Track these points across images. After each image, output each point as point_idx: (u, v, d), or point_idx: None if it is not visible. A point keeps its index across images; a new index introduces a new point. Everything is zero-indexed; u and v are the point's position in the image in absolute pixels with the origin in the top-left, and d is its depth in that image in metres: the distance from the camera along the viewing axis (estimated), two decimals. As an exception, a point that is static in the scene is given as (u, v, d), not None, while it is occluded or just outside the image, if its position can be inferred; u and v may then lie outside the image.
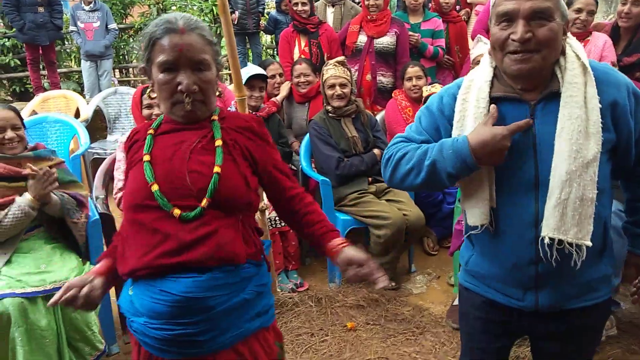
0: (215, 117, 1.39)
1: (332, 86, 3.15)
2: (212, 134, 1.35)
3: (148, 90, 1.41)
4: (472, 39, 4.07)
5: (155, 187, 1.27)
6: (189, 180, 1.27)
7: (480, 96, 1.32)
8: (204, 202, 1.25)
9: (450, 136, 1.37)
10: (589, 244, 1.24)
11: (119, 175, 2.48)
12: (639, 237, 1.40)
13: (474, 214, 1.36)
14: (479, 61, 3.52)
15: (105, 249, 2.49)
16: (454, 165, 1.28)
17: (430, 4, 4.57)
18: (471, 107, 1.33)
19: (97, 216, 2.34)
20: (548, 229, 1.24)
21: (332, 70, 3.17)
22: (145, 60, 1.34)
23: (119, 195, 2.42)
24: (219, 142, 1.33)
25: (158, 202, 1.25)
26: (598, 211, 1.26)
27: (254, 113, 3.19)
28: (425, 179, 1.34)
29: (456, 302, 2.73)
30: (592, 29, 3.38)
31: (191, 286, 1.21)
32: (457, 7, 4.74)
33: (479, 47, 3.57)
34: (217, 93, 1.43)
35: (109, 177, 2.74)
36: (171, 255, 1.22)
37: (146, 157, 1.32)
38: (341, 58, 3.29)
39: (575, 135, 1.21)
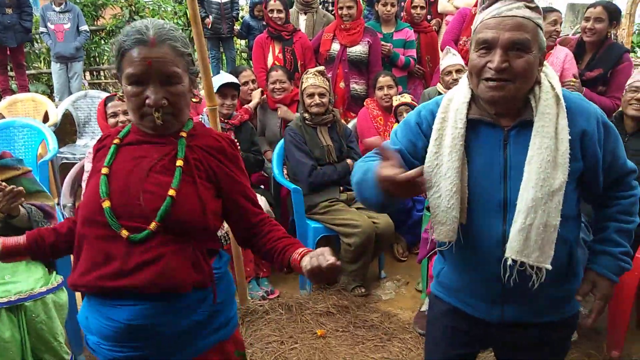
0: (184, 134, 1.34)
1: (311, 95, 3.19)
2: (176, 152, 1.31)
3: (118, 95, 1.37)
4: (442, 50, 4.17)
5: (106, 204, 1.23)
6: (142, 201, 1.24)
7: (458, 117, 1.35)
8: (153, 226, 1.22)
9: (426, 152, 1.40)
10: (549, 267, 1.29)
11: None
12: (599, 254, 1.43)
13: (440, 231, 1.39)
14: (449, 71, 3.66)
15: (72, 258, 2.47)
16: (371, 193, 1.28)
17: (402, 14, 4.65)
18: (449, 127, 1.36)
19: (64, 225, 2.31)
20: (512, 251, 1.29)
21: (312, 80, 3.20)
22: (116, 68, 1.31)
23: None
24: (179, 163, 1.29)
25: (107, 220, 1.22)
26: (563, 235, 1.31)
27: (226, 121, 3.19)
28: (361, 198, 1.38)
29: (423, 308, 2.80)
30: (558, 42, 3.50)
31: (134, 313, 1.20)
32: (429, 17, 4.83)
33: (449, 58, 3.66)
34: (197, 100, 1.41)
35: (77, 185, 2.71)
36: (111, 279, 1.20)
37: (104, 170, 1.29)
38: (321, 68, 3.32)
39: (544, 165, 1.26)
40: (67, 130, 5.22)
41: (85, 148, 4.59)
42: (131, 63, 1.24)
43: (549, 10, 3.55)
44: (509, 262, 1.29)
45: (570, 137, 1.28)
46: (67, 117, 5.06)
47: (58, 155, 4.39)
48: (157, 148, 1.32)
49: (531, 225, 1.27)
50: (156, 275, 1.20)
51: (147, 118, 1.28)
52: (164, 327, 1.22)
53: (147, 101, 1.25)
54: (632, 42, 11.62)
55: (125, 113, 2.48)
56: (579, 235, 1.44)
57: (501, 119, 1.34)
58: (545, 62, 1.36)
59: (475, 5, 4.18)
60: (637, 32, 12.72)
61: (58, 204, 2.71)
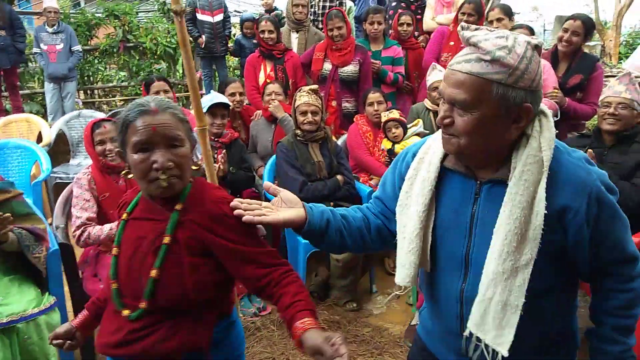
0: (179, 206, 1.37)
1: (304, 113, 3.24)
2: (162, 225, 1.37)
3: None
4: (424, 68, 4.26)
5: (114, 286, 1.38)
6: (141, 283, 1.35)
7: (433, 161, 1.30)
8: (143, 305, 1.33)
9: (399, 189, 1.36)
10: (505, 354, 1.16)
11: (76, 212, 2.49)
12: (597, 353, 1.28)
13: (399, 273, 1.33)
14: (436, 87, 3.73)
15: (64, 278, 2.50)
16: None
17: (390, 32, 4.74)
18: (423, 169, 1.32)
19: (57, 247, 2.34)
20: (471, 323, 1.21)
21: (305, 98, 3.25)
22: (120, 144, 1.38)
23: (78, 232, 2.44)
24: (166, 240, 1.34)
25: (114, 296, 1.38)
26: (538, 314, 1.21)
27: (216, 139, 3.24)
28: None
29: (414, 322, 2.82)
30: None
31: None
32: (416, 34, 4.93)
33: (435, 74, 3.75)
34: (196, 167, 1.46)
35: (69, 205, 2.74)
36: (113, 348, 1.37)
37: (114, 250, 1.42)
38: (314, 86, 3.38)
39: (510, 237, 1.14)
40: (60, 150, 5.25)
41: (79, 167, 4.63)
42: (136, 132, 1.32)
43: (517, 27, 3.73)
44: (466, 333, 1.22)
45: (546, 212, 1.14)
46: (61, 137, 5.10)
47: (52, 175, 4.42)
48: (153, 226, 1.39)
49: (490, 300, 1.16)
50: (147, 347, 1.33)
51: (155, 183, 1.33)
52: None
53: (154, 165, 1.31)
54: (620, 52, 11.81)
55: (112, 140, 2.53)
56: (569, 306, 1.32)
57: (479, 171, 1.24)
58: (545, 111, 1.22)
59: (454, 22, 4.29)
60: (624, 42, 12.91)
61: (51, 224, 2.74)
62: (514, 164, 1.17)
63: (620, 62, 10.64)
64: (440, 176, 1.29)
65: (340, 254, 2.86)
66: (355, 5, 6.08)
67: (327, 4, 5.31)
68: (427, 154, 1.33)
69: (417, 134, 3.70)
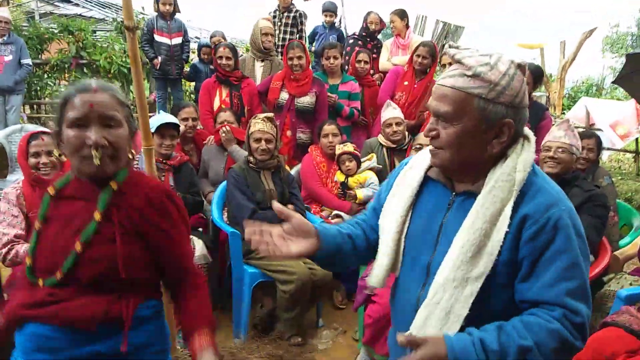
0: (114, 184, 1.39)
1: (258, 140, 3.19)
2: (93, 205, 1.38)
3: (56, 151, 1.46)
4: (379, 104, 4.35)
5: (29, 262, 1.38)
6: (61, 258, 1.34)
7: (419, 170, 1.37)
8: (57, 276, 1.33)
9: (384, 199, 1.43)
10: None
11: (3, 228, 2.32)
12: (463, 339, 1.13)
13: (372, 274, 1.39)
14: (389, 124, 3.79)
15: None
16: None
17: (347, 67, 4.83)
18: (410, 176, 1.38)
19: (-21, 266, 2.16)
20: (413, 325, 1.21)
21: (260, 125, 3.21)
22: (57, 122, 1.36)
23: (4, 250, 2.27)
24: (96, 217, 1.36)
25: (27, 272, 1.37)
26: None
27: (164, 161, 3.14)
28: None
29: (359, 358, 2.76)
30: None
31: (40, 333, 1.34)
32: (371, 72, 5.04)
33: (389, 111, 3.82)
34: (131, 156, 1.45)
35: None
36: (25, 308, 1.34)
37: (37, 225, 1.40)
38: (270, 114, 3.35)
39: (467, 247, 1.17)
40: (-2, 164, 4.98)
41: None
42: (73, 108, 1.32)
43: None
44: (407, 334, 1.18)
45: (508, 230, 1.16)
46: (0, 151, 4.84)
47: (-15, 190, 4.16)
48: (85, 205, 1.38)
49: (436, 305, 1.18)
50: (60, 310, 1.32)
51: (87, 161, 1.33)
52: (64, 350, 1.33)
53: (87, 141, 1.31)
54: (563, 104, 12.53)
55: (48, 154, 2.42)
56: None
57: (459, 184, 1.28)
58: (529, 136, 1.25)
59: (408, 63, 4.43)
60: (567, 95, 13.73)
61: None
62: (488, 179, 1.21)
63: (564, 113, 11.28)
64: (423, 185, 1.35)
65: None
66: (316, 40, 6.19)
67: (288, 36, 5.37)
68: (416, 163, 1.40)
69: (371, 169, 3.72)
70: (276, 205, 1.34)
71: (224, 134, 3.74)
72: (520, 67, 1.20)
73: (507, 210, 1.16)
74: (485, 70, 1.16)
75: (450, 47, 1.25)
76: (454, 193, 1.28)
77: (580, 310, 1.13)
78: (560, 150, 2.66)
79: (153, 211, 1.41)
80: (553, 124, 3.38)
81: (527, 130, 1.26)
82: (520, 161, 1.20)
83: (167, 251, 1.44)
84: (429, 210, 1.32)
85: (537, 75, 3.60)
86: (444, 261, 1.20)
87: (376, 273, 1.38)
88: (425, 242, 1.28)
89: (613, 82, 4.74)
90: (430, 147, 1.27)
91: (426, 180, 1.35)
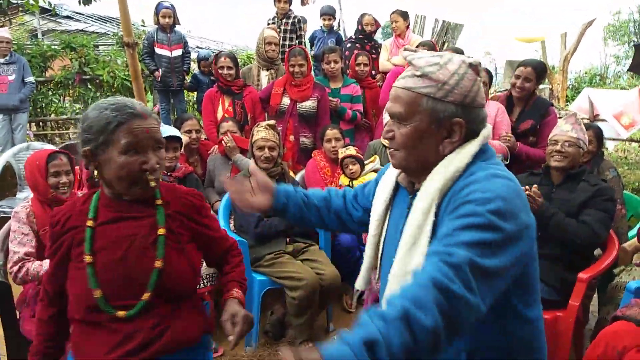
0: (159, 201, 1.46)
1: (261, 148, 3.21)
2: (150, 220, 1.44)
3: (91, 168, 1.43)
4: (381, 106, 4.35)
5: (98, 294, 1.34)
6: (140, 280, 1.37)
7: (390, 176, 1.41)
8: (146, 296, 1.35)
9: (372, 195, 1.48)
10: None
11: (14, 247, 2.35)
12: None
13: (359, 277, 1.45)
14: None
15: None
16: None
17: (347, 71, 4.84)
18: (386, 181, 1.43)
19: (-8, 285, 2.19)
20: None
21: (263, 133, 3.23)
22: (101, 143, 1.36)
23: (15, 268, 2.30)
24: (161, 231, 1.42)
25: (99, 306, 1.33)
26: None
27: (169, 174, 3.17)
28: None
29: (371, 362, 2.76)
30: (488, 98, 3.72)
31: None
32: (373, 73, 5.05)
33: (391, 113, 3.82)
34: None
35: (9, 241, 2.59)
36: (132, 355, 1.33)
37: (88, 259, 1.36)
38: (272, 122, 3.37)
39: (407, 240, 1.20)
40: (7, 183, 5.03)
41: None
42: (129, 133, 1.35)
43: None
44: None
45: (434, 218, 1.17)
46: (8, 169, 4.89)
47: (-5, 209, 4.21)
48: (138, 223, 1.42)
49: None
50: (171, 337, 1.38)
51: (139, 184, 1.38)
52: None
53: (144, 166, 1.36)
54: (567, 95, 12.46)
55: (67, 174, 2.48)
56: (497, 323, 1.19)
57: (418, 185, 1.28)
58: (484, 134, 1.22)
59: (408, 63, 4.42)
60: (570, 86, 13.66)
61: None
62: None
63: (567, 105, 11.21)
64: (397, 190, 1.38)
65: (304, 227, 2.85)
66: (314, 44, 6.22)
67: (287, 42, 5.40)
68: (391, 169, 1.41)
69: (374, 170, 3.73)
70: (252, 166, 1.55)
71: (227, 144, 3.76)
72: (472, 66, 1.20)
73: (435, 201, 1.17)
74: (434, 70, 1.17)
75: (405, 49, 1.29)
76: (410, 196, 1.31)
77: (455, 252, 1.00)
78: (567, 144, 2.65)
79: (193, 211, 1.54)
80: (559, 118, 3.36)
81: (486, 129, 1.24)
82: (456, 157, 1.19)
83: (212, 241, 1.62)
84: (396, 215, 1.36)
85: (539, 71, 3.56)
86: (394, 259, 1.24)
87: (362, 275, 1.45)
88: (393, 246, 1.29)
89: (629, 70, 4.67)
90: (390, 149, 1.30)
91: (399, 186, 1.38)
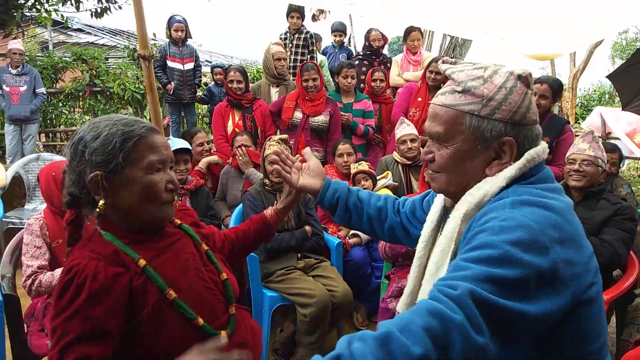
0: (178, 221, 1.43)
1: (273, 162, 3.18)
2: (189, 240, 1.40)
3: (101, 203, 1.22)
4: (393, 122, 4.33)
5: (201, 321, 1.25)
6: (215, 297, 1.34)
7: (440, 199, 1.30)
8: (233, 310, 1.36)
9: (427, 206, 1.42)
10: None
11: (27, 260, 2.32)
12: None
13: (399, 300, 1.34)
14: (404, 140, 3.76)
15: (6, 332, 2.29)
16: None
17: (361, 86, 4.84)
18: (436, 202, 1.32)
19: (0, 297, 2.15)
20: None
21: (275, 147, 3.21)
22: (120, 162, 1.18)
23: (28, 282, 2.27)
24: (205, 247, 1.42)
25: (206, 333, 1.24)
26: None
27: (181, 186, 3.14)
28: None
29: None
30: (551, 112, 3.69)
31: None
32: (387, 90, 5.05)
33: (403, 128, 3.80)
34: None
35: (19, 252, 2.56)
36: None
37: (172, 294, 1.21)
38: (284, 136, 3.35)
39: (435, 261, 1.13)
40: (16, 193, 5.02)
41: (34, 212, 4.40)
42: (152, 149, 1.22)
43: None
44: None
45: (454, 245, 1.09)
46: (17, 180, 4.88)
47: (4, 219, 4.19)
48: (179, 246, 1.35)
49: None
50: (259, 342, 1.43)
51: (167, 204, 1.26)
52: None
53: (169, 186, 1.25)
54: (576, 113, 12.42)
55: None
56: None
57: None
58: (531, 155, 1.06)
59: (421, 79, 4.41)
60: (579, 104, 13.63)
61: (-3, 273, 2.54)
62: None
63: (578, 123, 11.18)
64: (445, 212, 1.28)
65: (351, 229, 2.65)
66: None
67: (299, 57, 5.41)
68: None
69: (387, 186, 3.69)
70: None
71: (240, 157, 3.74)
72: (521, 78, 1.07)
73: (460, 227, 1.08)
74: (477, 85, 1.06)
75: (443, 62, 1.18)
76: None
77: (459, 285, 0.88)
78: (585, 163, 2.61)
79: (197, 222, 1.53)
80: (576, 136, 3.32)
81: (534, 149, 1.08)
82: (491, 179, 1.07)
83: (221, 239, 1.62)
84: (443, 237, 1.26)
85: (555, 88, 3.52)
86: None
87: (402, 300, 1.32)
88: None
89: (607, 77, 4.57)
90: (429, 171, 1.19)
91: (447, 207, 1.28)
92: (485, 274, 0.87)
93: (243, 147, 3.80)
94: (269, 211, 1.74)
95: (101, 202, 1.20)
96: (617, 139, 6.80)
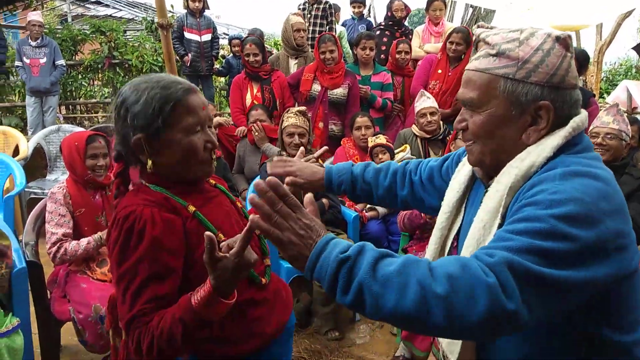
0: (214, 182, 1.46)
1: (291, 134, 3.17)
2: (226, 197, 1.44)
3: (144, 158, 1.26)
4: (412, 95, 4.26)
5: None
6: (254, 247, 1.37)
7: (466, 168, 1.26)
8: (268, 261, 1.44)
9: (445, 174, 1.41)
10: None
11: (51, 228, 2.37)
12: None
13: None
14: (423, 114, 3.71)
15: (31, 299, 2.35)
16: None
17: (382, 57, 4.75)
18: (462, 172, 1.28)
19: (24, 264, 2.20)
20: None
21: (293, 119, 3.19)
22: (160, 125, 1.22)
23: (54, 249, 2.32)
24: (239, 204, 1.46)
25: (251, 277, 1.34)
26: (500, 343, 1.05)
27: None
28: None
29: (398, 353, 2.72)
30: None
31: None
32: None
33: (423, 101, 3.73)
34: None
35: (41, 221, 2.61)
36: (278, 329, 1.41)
37: (221, 236, 1.28)
38: (302, 108, 3.33)
39: (472, 242, 1.07)
40: (37, 164, 5.10)
41: (56, 183, 4.48)
42: (192, 110, 1.25)
43: None
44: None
45: (501, 220, 1.03)
46: (39, 151, 4.96)
47: (26, 189, 4.27)
48: (219, 200, 1.40)
49: None
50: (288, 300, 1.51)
51: (206, 163, 1.30)
52: None
53: (208, 145, 1.28)
54: (601, 87, 12.09)
55: (104, 156, 2.50)
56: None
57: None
58: (577, 122, 1.03)
59: (441, 51, 4.32)
60: (604, 78, 13.26)
61: (20, 240, 2.60)
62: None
63: (603, 97, 10.90)
64: (474, 181, 1.24)
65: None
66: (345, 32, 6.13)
67: (318, 28, 5.32)
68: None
69: (404, 160, 3.65)
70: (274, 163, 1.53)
71: (256, 133, 3.73)
72: (559, 40, 1.03)
73: (504, 200, 1.02)
74: (512, 47, 1.02)
75: (478, 27, 1.17)
76: (485, 190, 1.14)
77: (496, 253, 0.87)
78: (609, 136, 2.55)
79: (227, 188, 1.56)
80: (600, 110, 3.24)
81: (579, 117, 1.05)
82: (537, 147, 1.02)
83: None
84: (472, 207, 1.22)
85: (581, 60, 3.42)
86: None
87: None
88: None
89: (632, 48, 4.46)
90: (464, 143, 1.15)
91: (475, 177, 1.23)
92: (528, 245, 0.86)
93: (258, 122, 3.78)
94: None
95: (149, 162, 1.26)
96: (644, 113, 6.61)
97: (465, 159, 1.24)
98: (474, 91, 1.06)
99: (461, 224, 1.23)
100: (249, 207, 1.15)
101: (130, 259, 1.15)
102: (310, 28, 5.30)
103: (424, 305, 0.82)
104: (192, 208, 1.27)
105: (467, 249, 1.07)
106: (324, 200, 3.17)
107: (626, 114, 2.85)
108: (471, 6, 8.00)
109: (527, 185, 0.99)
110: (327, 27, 5.33)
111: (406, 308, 0.82)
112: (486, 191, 1.12)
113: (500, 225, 1.02)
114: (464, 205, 1.24)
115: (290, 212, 0.91)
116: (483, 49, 1.08)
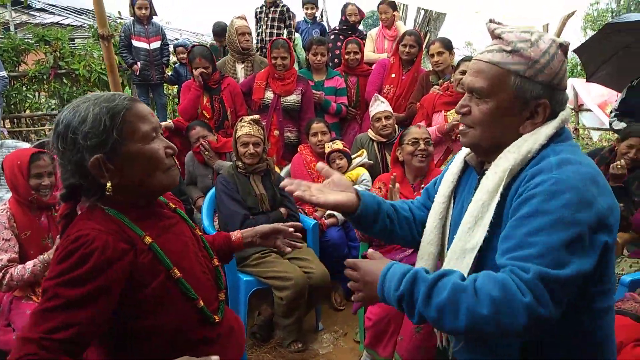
0: (173, 206, 1.40)
1: (246, 144, 3.10)
2: (185, 224, 1.38)
3: (108, 185, 1.17)
4: (367, 99, 4.25)
5: (201, 303, 1.26)
6: (209, 282, 1.35)
7: (459, 158, 1.40)
8: (222, 296, 1.38)
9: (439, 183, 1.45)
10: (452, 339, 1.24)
11: None
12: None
13: (418, 266, 1.28)
14: (378, 118, 3.71)
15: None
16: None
17: (336, 61, 4.73)
18: (453, 163, 1.42)
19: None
20: None
21: (247, 129, 3.12)
22: (116, 140, 1.14)
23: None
24: (198, 232, 1.40)
25: (204, 316, 1.28)
26: None
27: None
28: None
29: (362, 361, 2.70)
30: None
31: None
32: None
33: (377, 105, 3.74)
34: None
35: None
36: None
37: (176, 273, 1.22)
38: (256, 117, 3.25)
39: (469, 219, 1.18)
40: (-22, 182, 4.83)
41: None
42: (142, 119, 1.20)
43: None
44: None
45: (500, 199, 1.14)
46: (-20, 168, 4.69)
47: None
48: (178, 228, 1.34)
49: None
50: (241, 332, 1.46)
51: (171, 170, 1.25)
52: None
53: (168, 150, 1.24)
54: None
55: (49, 175, 2.38)
56: (568, 331, 1.14)
57: (488, 164, 1.26)
58: (564, 118, 1.19)
59: (393, 54, 4.34)
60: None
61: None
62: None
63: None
64: (464, 171, 1.36)
65: (389, 243, 2.53)
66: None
67: (275, 31, 5.20)
68: (461, 151, 1.40)
69: (362, 165, 3.65)
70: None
71: (206, 152, 3.64)
72: (561, 47, 1.16)
73: (503, 181, 1.14)
74: (526, 47, 1.13)
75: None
76: (478, 176, 1.28)
77: (529, 268, 0.99)
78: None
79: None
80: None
81: (566, 111, 1.22)
82: (533, 135, 1.16)
83: None
84: (463, 195, 1.33)
85: None
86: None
87: (424, 264, 1.36)
88: (458, 226, 1.27)
89: (574, 51, 4.63)
90: (461, 126, 1.26)
91: (467, 167, 1.36)
92: (547, 248, 0.99)
93: (204, 141, 3.67)
94: (236, 234, 1.65)
95: (108, 184, 1.17)
96: (589, 110, 6.86)
97: (459, 154, 1.40)
98: (485, 81, 1.17)
99: (452, 211, 1.36)
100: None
101: (60, 278, 1.06)
102: (268, 31, 5.20)
103: (474, 324, 0.99)
104: (148, 239, 1.19)
105: (465, 226, 1.19)
106: (282, 210, 3.13)
107: (572, 111, 2.92)
108: (423, 9, 8.11)
109: (527, 174, 1.11)
110: (285, 31, 5.25)
111: (461, 328, 1.00)
112: (480, 177, 1.24)
113: (500, 203, 1.14)
114: (454, 195, 1.37)
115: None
116: (496, 43, 1.18)
